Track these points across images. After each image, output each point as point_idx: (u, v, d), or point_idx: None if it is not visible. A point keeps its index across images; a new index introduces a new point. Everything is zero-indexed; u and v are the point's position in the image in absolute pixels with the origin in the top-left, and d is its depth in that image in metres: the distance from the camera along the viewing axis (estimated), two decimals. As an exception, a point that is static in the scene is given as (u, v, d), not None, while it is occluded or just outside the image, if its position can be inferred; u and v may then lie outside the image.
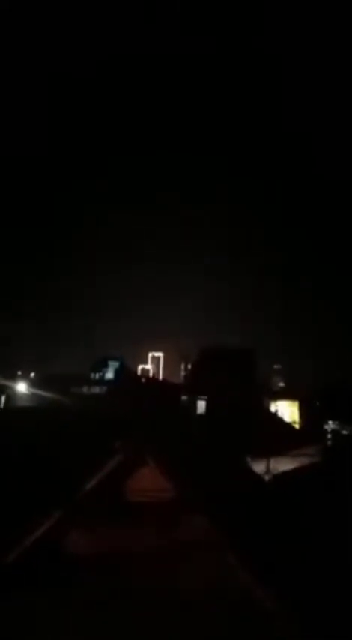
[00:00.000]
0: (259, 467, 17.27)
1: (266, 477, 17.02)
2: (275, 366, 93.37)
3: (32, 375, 60.17)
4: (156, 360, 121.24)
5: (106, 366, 78.30)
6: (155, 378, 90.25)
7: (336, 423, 41.15)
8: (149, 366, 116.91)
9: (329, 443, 33.21)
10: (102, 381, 66.87)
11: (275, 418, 36.68)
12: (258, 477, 15.44)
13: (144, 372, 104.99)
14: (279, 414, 41.93)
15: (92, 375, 70.97)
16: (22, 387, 43.33)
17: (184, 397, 40.53)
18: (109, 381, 67.80)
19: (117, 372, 76.18)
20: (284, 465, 18.61)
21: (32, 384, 47.34)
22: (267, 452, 18.83)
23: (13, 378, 47.53)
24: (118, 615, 5.84)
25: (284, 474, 17.03)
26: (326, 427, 40.49)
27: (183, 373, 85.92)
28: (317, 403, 46.96)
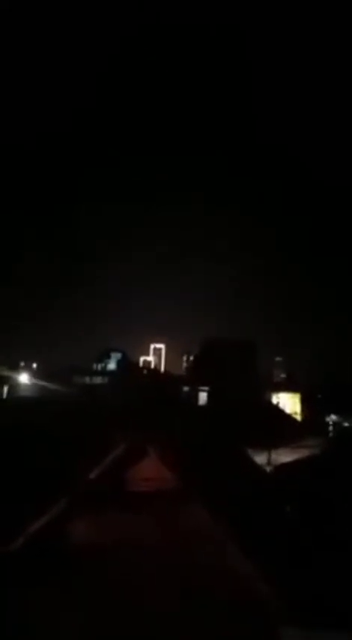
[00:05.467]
0: (260, 458, 17.36)
1: (268, 469, 17.12)
2: (277, 358, 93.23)
3: (34, 365, 60.37)
4: (158, 351, 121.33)
5: (109, 357, 78.52)
6: (157, 370, 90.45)
7: (338, 415, 41.23)
8: (151, 358, 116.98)
9: (330, 435, 33.33)
10: (104, 372, 67.09)
11: (276, 410, 36.80)
12: (259, 469, 15.52)
13: (146, 363, 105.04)
14: (281, 405, 42.03)
15: (94, 366, 71.18)
16: (24, 378, 43.44)
17: (186, 388, 40.67)
18: (111, 372, 68.01)
19: (119, 363, 76.40)
20: (285, 456, 18.72)
21: (35, 374, 47.45)
22: (268, 443, 18.92)
23: (16, 368, 47.69)
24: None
25: (285, 465, 17.15)
26: (327, 419, 40.56)
27: (184, 365, 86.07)
28: (319, 395, 47.03)
